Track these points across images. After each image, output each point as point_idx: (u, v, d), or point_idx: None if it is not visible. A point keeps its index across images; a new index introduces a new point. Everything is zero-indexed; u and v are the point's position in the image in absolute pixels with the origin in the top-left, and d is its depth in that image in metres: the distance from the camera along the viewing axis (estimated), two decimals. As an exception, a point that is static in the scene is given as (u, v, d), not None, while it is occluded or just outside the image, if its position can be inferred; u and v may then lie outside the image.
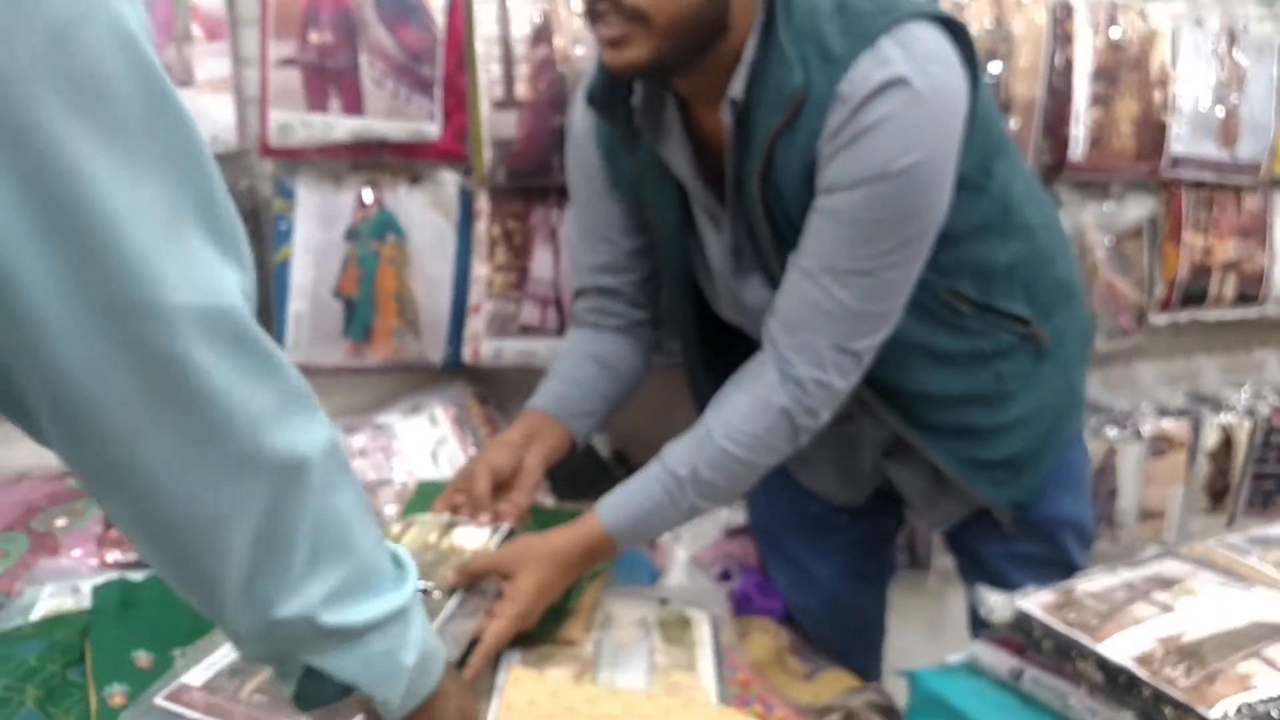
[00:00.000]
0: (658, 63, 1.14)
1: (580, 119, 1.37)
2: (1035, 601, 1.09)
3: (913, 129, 1.12)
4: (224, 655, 0.99)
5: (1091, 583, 1.15)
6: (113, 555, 1.31)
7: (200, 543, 0.68)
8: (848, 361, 1.21)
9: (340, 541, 0.72)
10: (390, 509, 1.37)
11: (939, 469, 1.38)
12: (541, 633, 1.17)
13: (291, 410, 0.69)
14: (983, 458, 1.37)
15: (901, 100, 1.11)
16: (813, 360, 1.20)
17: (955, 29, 1.17)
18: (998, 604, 1.10)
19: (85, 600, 1.19)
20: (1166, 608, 1.07)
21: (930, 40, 1.14)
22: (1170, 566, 1.19)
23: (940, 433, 1.36)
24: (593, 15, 1.14)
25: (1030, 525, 1.42)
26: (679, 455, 1.24)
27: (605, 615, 1.24)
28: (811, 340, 1.19)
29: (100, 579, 1.22)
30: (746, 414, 1.22)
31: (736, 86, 1.17)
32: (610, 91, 1.25)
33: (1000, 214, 1.30)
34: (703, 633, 1.24)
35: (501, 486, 1.31)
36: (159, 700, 0.95)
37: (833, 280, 1.17)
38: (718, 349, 1.44)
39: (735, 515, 1.63)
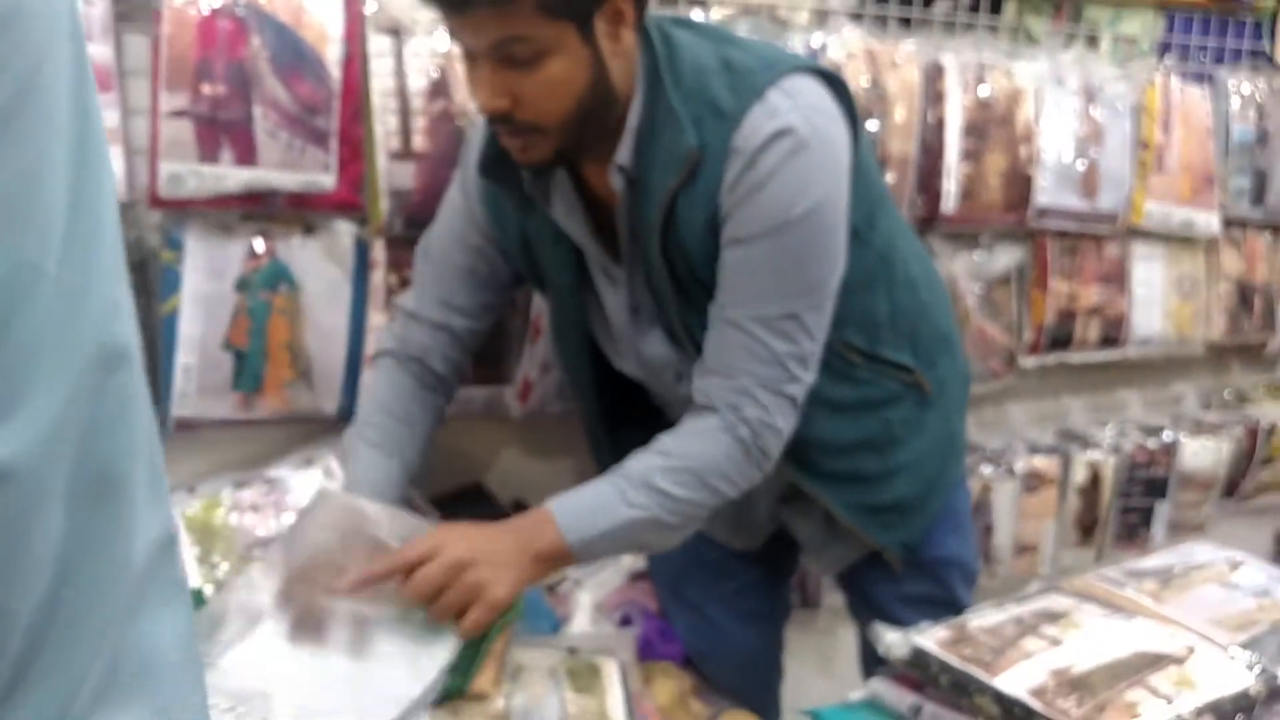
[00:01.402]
0: (561, 154, 1.21)
1: (469, 176, 1.38)
2: (931, 638, 1.13)
3: (805, 175, 1.18)
4: None
5: (983, 618, 1.19)
6: None
7: None
8: (786, 405, 1.25)
9: (146, 681, 0.50)
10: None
11: (831, 514, 1.42)
12: (451, 687, 1.16)
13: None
14: (872, 502, 1.42)
15: (790, 148, 1.16)
16: (756, 404, 1.23)
17: (833, 82, 1.24)
18: (894, 641, 1.14)
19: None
20: (1055, 641, 1.13)
21: (812, 91, 1.20)
22: (1055, 601, 1.24)
23: (832, 480, 1.40)
24: (492, 124, 1.21)
25: (918, 566, 1.47)
26: (635, 465, 1.25)
27: (515, 666, 1.24)
28: (749, 386, 1.23)
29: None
30: (703, 438, 1.24)
31: (623, 153, 1.21)
32: (500, 161, 1.28)
33: (885, 266, 1.35)
34: (612, 681, 1.25)
35: None
36: None
37: (762, 327, 1.22)
38: (616, 404, 1.46)
39: (637, 561, 1.65)
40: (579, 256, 1.35)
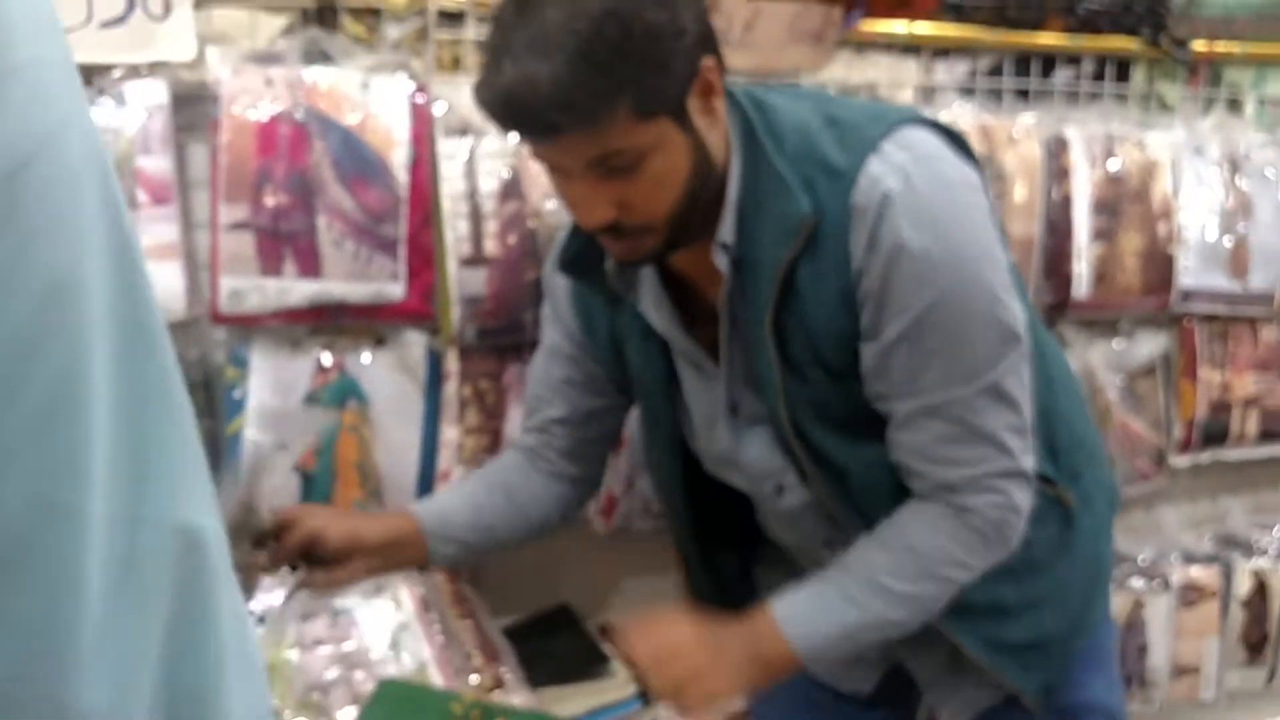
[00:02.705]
0: (670, 246, 1.10)
1: (557, 279, 1.29)
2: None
3: (943, 229, 1.05)
4: None
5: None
6: None
7: None
8: (1018, 481, 1.12)
9: None
10: (348, 714, 1.23)
11: (957, 650, 1.24)
12: None
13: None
14: (1011, 640, 1.23)
15: (920, 206, 1.04)
16: (982, 490, 1.12)
17: (950, 135, 1.11)
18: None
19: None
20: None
21: (930, 142, 1.08)
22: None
23: (964, 612, 1.22)
24: (597, 236, 1.10)
25: (1057, 712, 1.27)
26: (855, 559, 1.16)
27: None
28: (971, 474, 1.11)
29: None
30: (931, 527, 1.14)
31: (725, 230, 1.10)
32: (583, 256, 1.18)
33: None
34: None
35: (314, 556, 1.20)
36: None
37: (962, 409, 1.09)
38: (711, 521, 1.33)
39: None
40: (668, 353, 1.23)
